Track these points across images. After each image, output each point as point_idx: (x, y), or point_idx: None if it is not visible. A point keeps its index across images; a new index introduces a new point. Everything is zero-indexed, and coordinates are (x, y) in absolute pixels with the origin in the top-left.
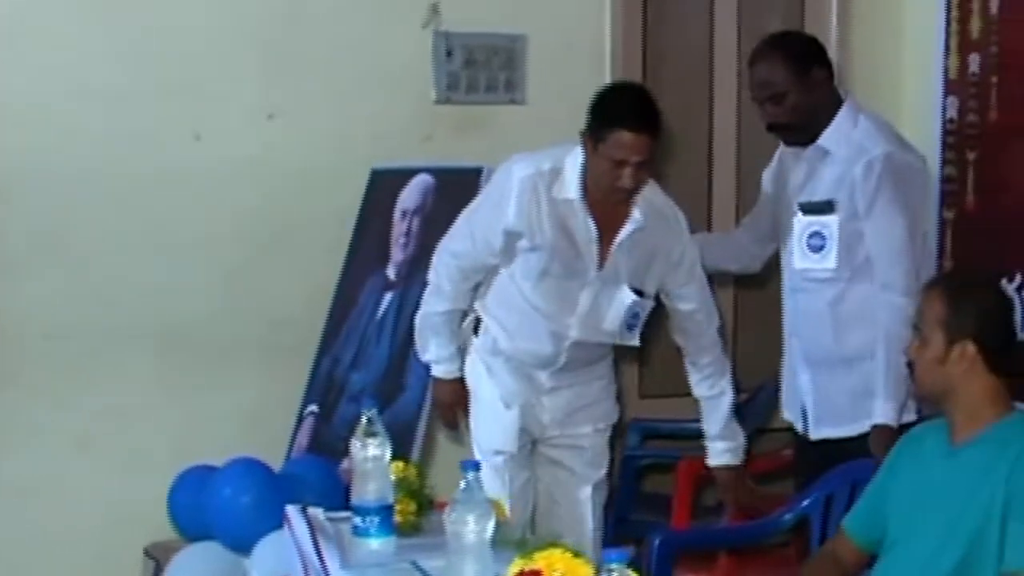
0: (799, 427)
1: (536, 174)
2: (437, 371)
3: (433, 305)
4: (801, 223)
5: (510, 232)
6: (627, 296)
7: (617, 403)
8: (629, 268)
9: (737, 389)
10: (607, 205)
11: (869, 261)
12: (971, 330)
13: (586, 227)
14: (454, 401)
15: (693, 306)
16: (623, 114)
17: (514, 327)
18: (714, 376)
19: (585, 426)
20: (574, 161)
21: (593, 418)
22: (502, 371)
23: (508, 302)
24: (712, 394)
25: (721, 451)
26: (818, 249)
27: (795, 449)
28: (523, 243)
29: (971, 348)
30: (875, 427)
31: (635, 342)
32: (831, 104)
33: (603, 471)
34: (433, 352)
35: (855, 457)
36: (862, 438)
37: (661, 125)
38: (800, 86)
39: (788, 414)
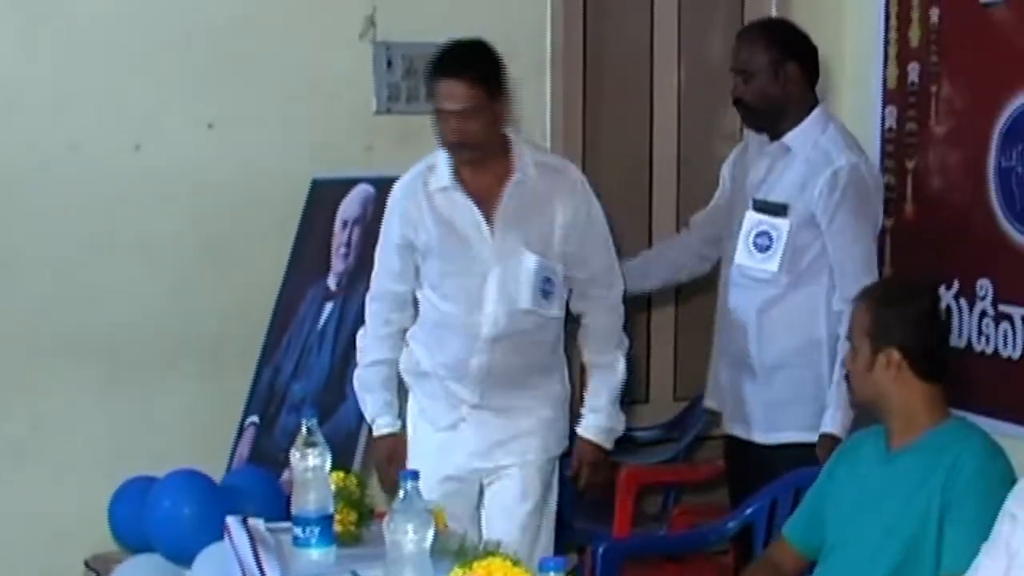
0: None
1: (413, 177)
2: (376, 429)
3: (362, 360)
4: (751, 220)
5: (400, 246)
6: (530, 260)
7: (563, 437)
8: (523, 231)
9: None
10: (482, 182)
11: (811, 270)
12: (895, 338)
13: (466, 208)
14: (390, 457)
15: (592, 271)
16: (439, 62)
17: (433, 341)
18: (607, 344)
19: (507, 458)
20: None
21: (520, 451)
22: (427, 394)
23: (424, 318)
24: (601, 362)
25: (593, 425)
26: (763, 249)
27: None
28: (417, 255)
29: (896, 355)
30: (823, 436)
31: (556, 312)
32: (802, 104)
33: (528, 505)
34: (369, 409)
35: (759, 464)
36: (771, 448)
37: (490, 74)
38: (770, 73)
39: (709, 401)
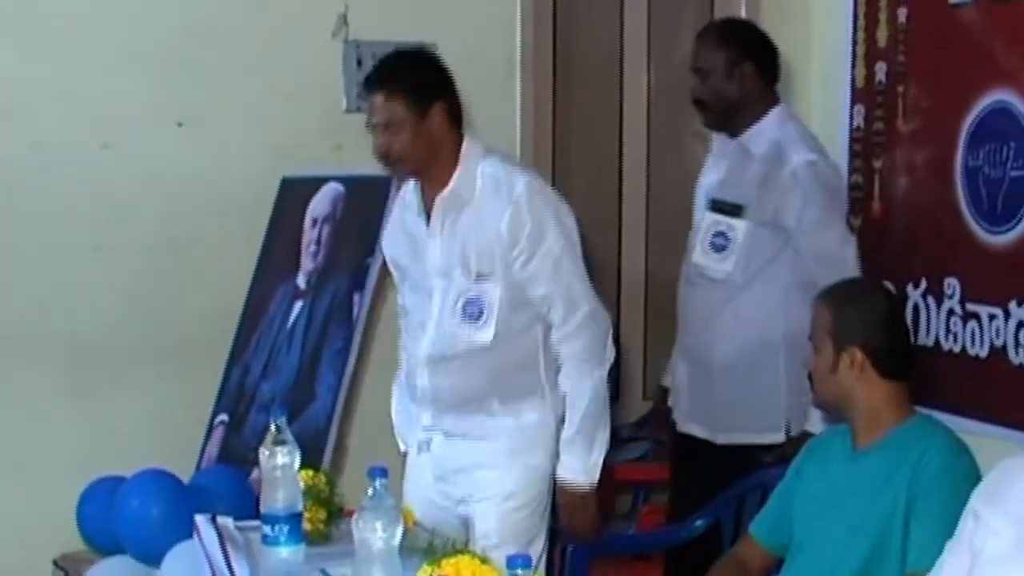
0: (676, 415)
1: (400, 190)
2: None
3: (397, 379)
4: (709, 220)
5: (389, 258)
6: (457, 279)
7: (540, 476)
8: (462, 247)
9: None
10: (431, 196)
11: (768, 271)
12: (858, 337)
13: (418, 223)
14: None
15: (543, 291)
16: (368, 75)
17: (404, 359)
18: (574, 369)
19: (468, 488)
20: None
21: (482, 484)
22: (408, 412)
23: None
24: (568, 387)
25: (565, 463)
26: (720, 249)
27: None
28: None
29: (859, 354)
30: (805, 434)
31: (485, 338)
32: (759, 103)
33: (492, 545)
34: (396, 427)
35: (711, 462)
36: (723, 448)
37: (412, 87)
38: (725, 72)
39: (672, 399)
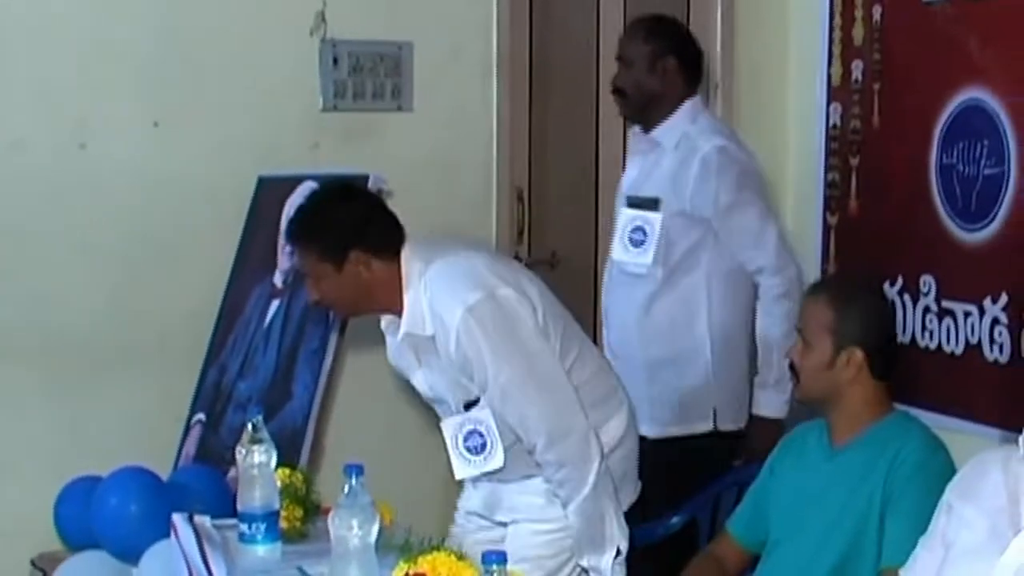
0: None
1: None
2: None
3: None
4: (625, 216)
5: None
6: (453, 413)
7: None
8: (438, 377)
9: None
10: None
11: (686, 262)
12: (858, 337)
13: (399, 346)
14: None
15: (504, 417)
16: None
17: None
18: (562, 499)
19: (508, 515)
20: None
21: (523, 509)
22: None
23: None
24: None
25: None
26: (638, 244)
27: None
28: None
29: (859, 354)
30: (760, 419)
31: (496, 465)
32: (677, 99)
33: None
34: None
35: (646, 457)
36: (657, 442)
37: (319, 238)
38: (646, 65)
39: None
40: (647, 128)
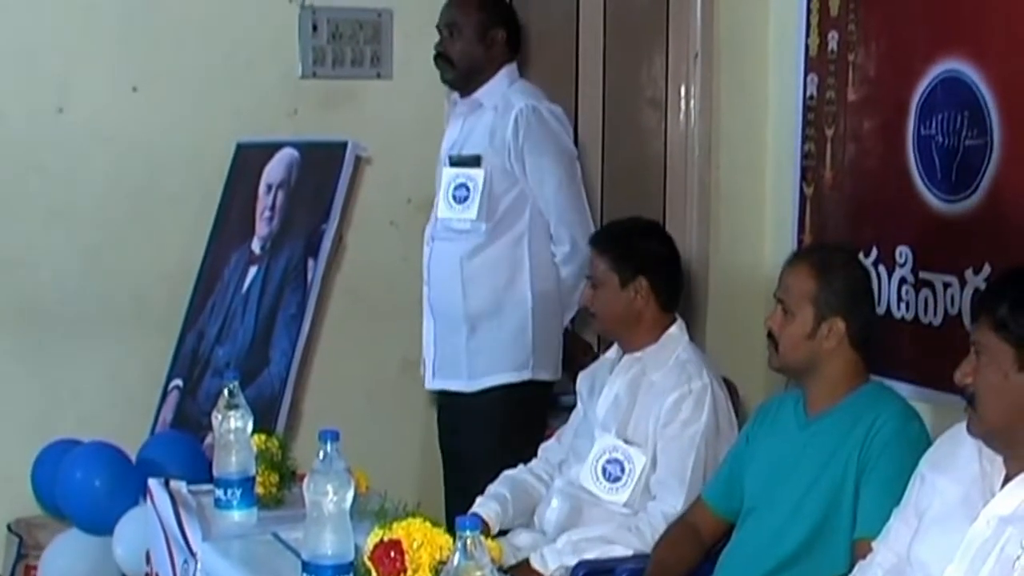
0: (423, 373)
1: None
2: None
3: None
4: (448, 175)
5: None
6: (608, 439)
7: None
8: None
9: None
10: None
11: (508, 217)
12: (840, 307)
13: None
14: None
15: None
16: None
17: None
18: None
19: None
20: None
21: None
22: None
23: None
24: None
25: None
26: (462, 200)
27: None
28: None
29: (840, 324)
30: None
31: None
32: (497, 66)
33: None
34: None
35: (468, 412)
36: (476, 395)
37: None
38: (474, 34)
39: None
40: (465, 94)
